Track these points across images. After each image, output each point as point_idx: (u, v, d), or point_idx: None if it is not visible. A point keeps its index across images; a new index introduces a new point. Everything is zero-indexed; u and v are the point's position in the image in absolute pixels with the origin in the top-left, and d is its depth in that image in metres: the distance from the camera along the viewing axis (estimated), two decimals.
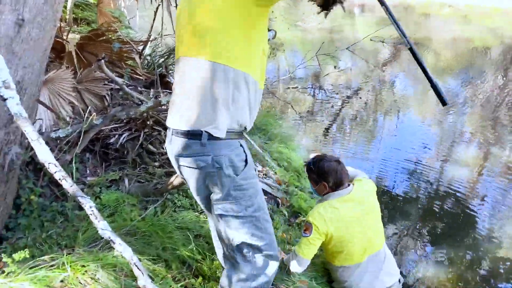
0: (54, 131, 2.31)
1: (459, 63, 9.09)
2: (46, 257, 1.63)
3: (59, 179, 1.13)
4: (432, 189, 4.12)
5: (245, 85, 1.34)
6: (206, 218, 2.08)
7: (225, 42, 1.29)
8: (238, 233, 1.40)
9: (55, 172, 1.13)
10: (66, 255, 1.61)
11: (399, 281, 2.24)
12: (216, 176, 1.34)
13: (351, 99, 6.57)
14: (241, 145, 1.40)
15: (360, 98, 6.58)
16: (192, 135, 1.32)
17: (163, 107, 2.66)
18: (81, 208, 2.20)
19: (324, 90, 6.88)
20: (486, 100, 6.73)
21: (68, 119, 2.55)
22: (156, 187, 2.34)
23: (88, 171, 2.73)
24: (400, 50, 9.28)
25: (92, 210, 1.14)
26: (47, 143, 1.19)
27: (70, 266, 1.55)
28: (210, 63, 1.28)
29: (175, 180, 2.23)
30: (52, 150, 2.17)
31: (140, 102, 2.74)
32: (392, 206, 3.78)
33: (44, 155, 1.13)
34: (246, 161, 1.39)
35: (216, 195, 1.38)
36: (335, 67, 7.93)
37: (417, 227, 3.53)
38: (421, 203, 3.89)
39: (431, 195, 4.02)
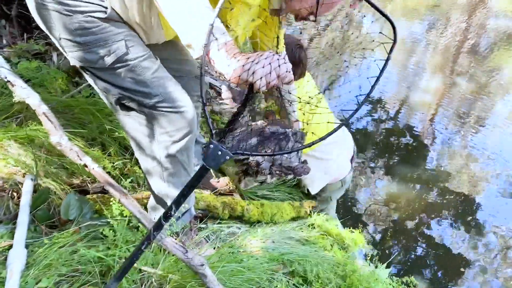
0: None
1: (427, 3, 8.79)
2: None
3: None
4: (391, 124, 4.13)
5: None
6: None
7: None
8: None
9: None
10: None
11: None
12: None
13: (316, 37, 6.11)
14: None
15: (327, 35, 6.18)
16: None
17: None
18: None
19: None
20: (448, 42, 6.70)
21: None
22: None
23: (4, 41, 2.19)
24: None
25: None
26: None
27: None
28: None
29: None
30: None
31: None
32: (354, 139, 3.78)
33: None
34: None
35: None
36: None
37: (374, 159, 3.58)
38: (379, 137, 3.92)
39: (388, 130, 4.04)
